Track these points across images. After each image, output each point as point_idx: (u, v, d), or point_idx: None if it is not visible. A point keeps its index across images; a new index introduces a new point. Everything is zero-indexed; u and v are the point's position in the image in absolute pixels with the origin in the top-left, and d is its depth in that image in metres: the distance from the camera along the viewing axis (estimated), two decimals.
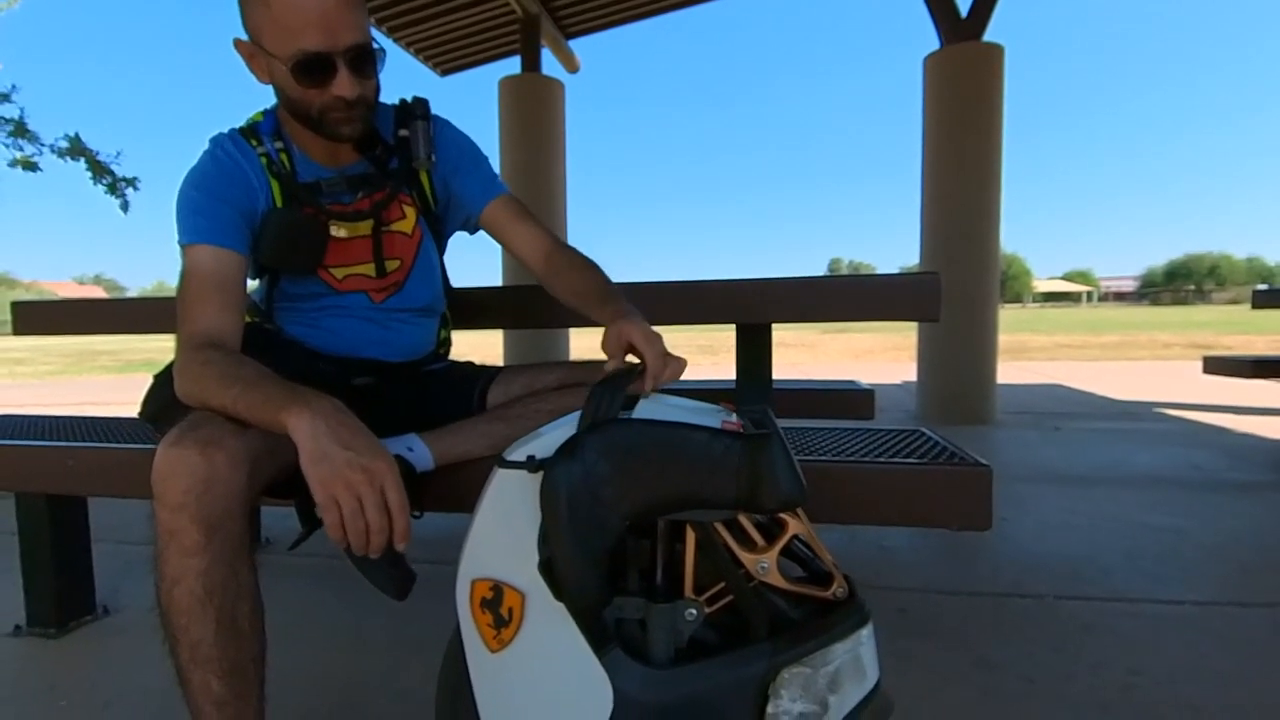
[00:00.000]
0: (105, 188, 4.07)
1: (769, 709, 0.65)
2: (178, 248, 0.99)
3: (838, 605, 0.70)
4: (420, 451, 1.05)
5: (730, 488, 0.64)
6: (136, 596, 1.67)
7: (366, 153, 1.09)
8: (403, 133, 1.08)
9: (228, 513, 0.79)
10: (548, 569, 0.65)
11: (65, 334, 1.87)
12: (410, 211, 1.14)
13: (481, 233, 1.23)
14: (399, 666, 1.33)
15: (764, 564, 0.68)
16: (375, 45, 0.95)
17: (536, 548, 0.66)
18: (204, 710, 0.80)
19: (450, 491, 1.09)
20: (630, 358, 0.87)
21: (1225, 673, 1.27)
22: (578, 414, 0.73)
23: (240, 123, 1.07)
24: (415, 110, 1.09)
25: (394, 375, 1.18)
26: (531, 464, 0.67)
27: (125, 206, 4.18)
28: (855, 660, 0.67)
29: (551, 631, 0.66)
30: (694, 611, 0.67)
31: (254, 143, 1.02)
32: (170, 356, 1.12)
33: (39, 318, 1.87)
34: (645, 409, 0.74)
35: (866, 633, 0.69)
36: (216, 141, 1.04)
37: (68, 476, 1.29)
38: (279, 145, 1.03)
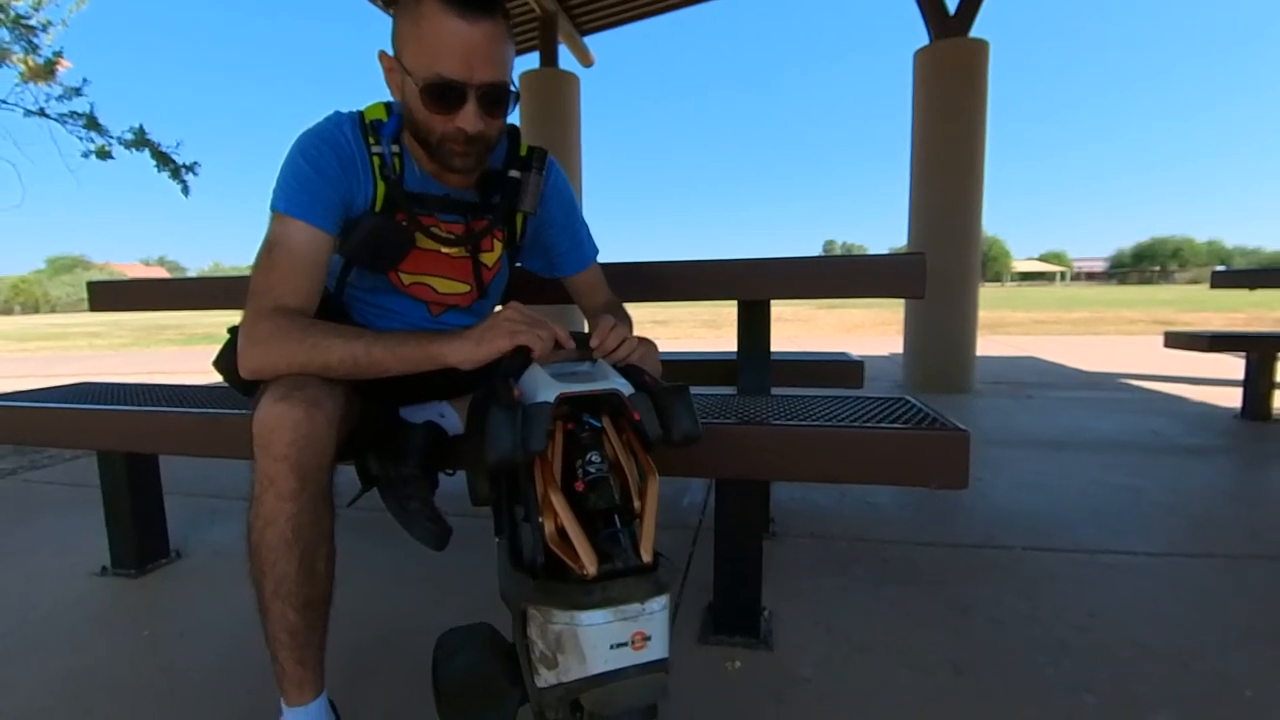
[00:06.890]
0: (169, 174, 4.08)
1: None
2: (269, 210, 0.90)
3: None
4: (451, 417, 1.07)
5: None
6: (204, 542, 1.72)
7: (480, 184, 1.01)
8: (513, 173, 1.00)
9: (320, 466, 0.80)
10: None
11: (136, 310, 1.89)
12: (498, 246, 1.08)
13: None
14: (435, 606, 1.36)
15: None
16: (512, 88, 0.87)
17: None
18: (279, 637, 0.83)
19: None
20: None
21: (1172, 615, 1.27)
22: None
23: (363, 106, 0.97)
24: (532, 160, 1.01)
25: None
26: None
27: (186, 190, 4.18)
28: None
29: None
30: None
31: (371, 140, 0.93)
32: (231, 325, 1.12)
33: (112, 295, 1.89)
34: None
35: None
36: (338, 122, 0.93)
37: (142, 437, 1.32)
38: (395, 150, 0.94)
